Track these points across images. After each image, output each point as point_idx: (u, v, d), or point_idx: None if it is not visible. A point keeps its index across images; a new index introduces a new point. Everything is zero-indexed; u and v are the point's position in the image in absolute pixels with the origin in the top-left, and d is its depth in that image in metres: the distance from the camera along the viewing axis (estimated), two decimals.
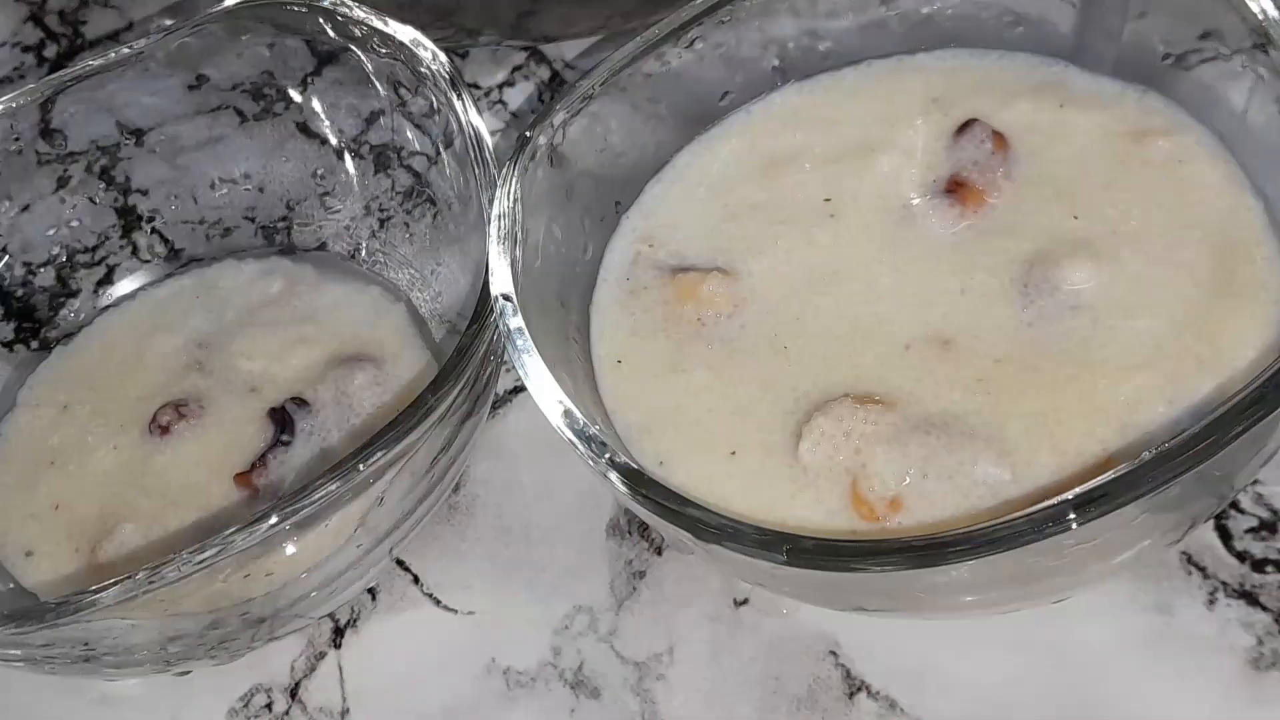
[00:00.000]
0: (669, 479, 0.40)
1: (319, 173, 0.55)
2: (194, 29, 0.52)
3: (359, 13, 0.49)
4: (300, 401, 0.49)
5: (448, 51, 0.48)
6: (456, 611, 0.48)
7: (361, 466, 0.40)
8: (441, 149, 0.49)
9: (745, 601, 0.45)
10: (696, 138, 0.48)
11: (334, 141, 0.55)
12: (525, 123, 0.52)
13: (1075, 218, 0.43)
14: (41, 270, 0.55)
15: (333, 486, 0.40)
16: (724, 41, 0.47)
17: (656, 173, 0.48)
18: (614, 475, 0.37)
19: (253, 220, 0.56)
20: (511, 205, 0.42)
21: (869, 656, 0.44)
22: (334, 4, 0.50)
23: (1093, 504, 0.32)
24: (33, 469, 0.51)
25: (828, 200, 0.45)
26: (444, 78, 0.47)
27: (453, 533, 0.49)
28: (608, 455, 0.37)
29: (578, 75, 0.53)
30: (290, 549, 0.42)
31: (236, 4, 0.52)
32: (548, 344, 0.40)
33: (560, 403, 0.38)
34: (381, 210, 0.54)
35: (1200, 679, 0.41)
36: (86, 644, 0.41)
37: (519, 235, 0.42)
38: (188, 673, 0.47)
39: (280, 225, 0.56)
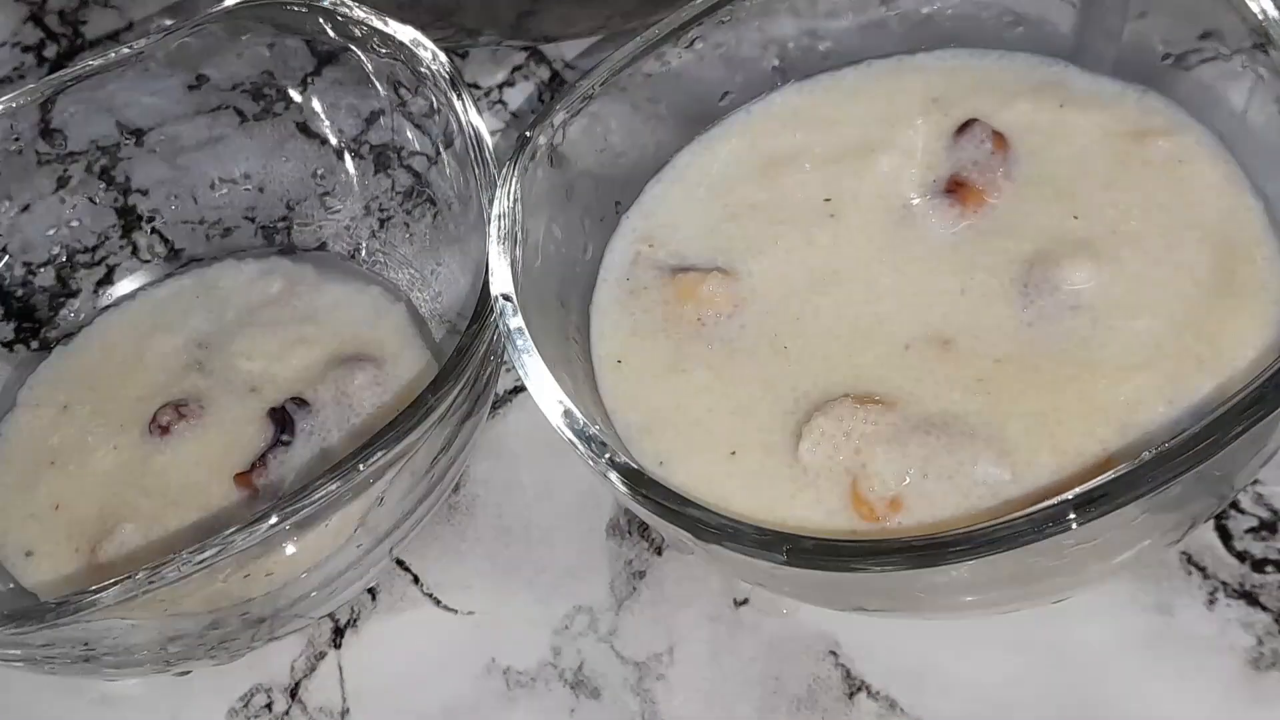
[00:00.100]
0: (669, 479, 0.40)
1: (319, 173, 0.55)
2: (194, 29, 0.52)
3: (359, 13, 0.49)
4: (300, 401, 0.49)
5: (448, 51, 0.48)
6: (456, 611, 0.48)
7: (361, 466, 0.40)
8: (441, 149, 0.49)
9: (745, 601, 0.45)
10: (696, 138, 0.48)
11: (334, 141, 0.55)
12: (525, 123, 0.52)
13: (1075, 218, 0.43)
14: (41, 270, 0.55)
15: (333, 486, 0.40)
16: (724, 41, 0.47)
17: (656, 173, 0.48)
18: (614, 475, 0.37)
19: (253, 220, 0.56)
20: (511, 205, 0.42)
21: (869, 656, 0.44)
22: (334, 4, 0.50)
23: (1093, 504, 0.32)
24: (33, 469, 0.51)
25: (828, 200, 0.45)
26: (444, 78, 0.47)
27: (453, 533, 0.49)
28: (608, 455, 0.37)
29: (578, 75, 0.53)
30: (290, 549, 0.42)
31: (236, 4, 0.52)
32: (548, 344, 0.40)
33: (560, 403, 0.38)
34: (381, 210, 0.54)
35: (1200, 679, 0.41)
36: (86, 644, 0.41)
37: (519, 235, 0.42)
38: (188, 673, 0.47)
39: (280, 225, 0.56)
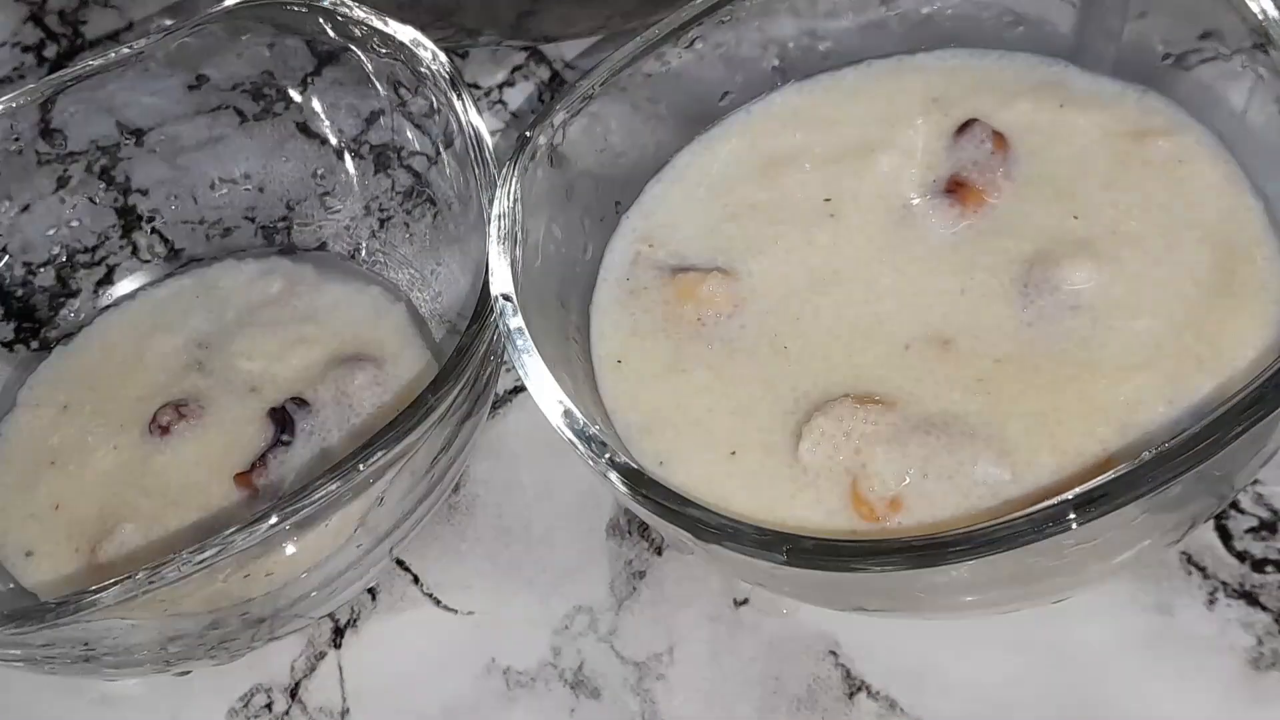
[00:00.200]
0: (669, 479, 0.40)
1: (319, 173, 0.55)
2: (194, 29, 0.52)
3: (359, 13, 0.49)
4: (300, 401, 0.49)
5: (448, 51, 0.48)
6: (456, 611, 0.48)
7: (361, 466, 0.40)
8: (441, 149, 0.49)
9: (745, 601, 0.45)
10: (696, 138, 0.48)
11: (334, 141, 0.55)
12: (525, 123, 0.52)
13: (1075, 218, 0.43)
14: (41, 270, 0.55)
15: (333, 486, 0.40)
16: (724, 41, 0.47)
17: (656, 173, 0.48)
18: (614, 475, 0.37)
19: (253, 220, 0.56)
20: (511, 205, 0.42)
21: (869, 656, 0.44)
22: (334, 4, 0.50)
23: (1093, 504, 0.32)
24: (33, 469, 0.51)
25: (828, 200, 0.45)
26: (444, 78, 0.47)
27: (453, 533, 0.49)
28: (608, 455, 0.37)
29: (578, 75, 0.53)
30: (290, 549, 0.42)
31: (236, 4, 0.52)
32: (548, 344, 0.40)
33: (560, 403, 0.38)
34: (381, 210, 0.54)
35: (1200, 679, 0.41)
36: (86, 644, 0.41)
37: (519, 235, 0.42)
38: (188, 673, 0.47)
39: (280, 225, 0.56)
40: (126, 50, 0.52)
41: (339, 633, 0.48)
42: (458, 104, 0.47)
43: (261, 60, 0.54)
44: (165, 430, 0.49)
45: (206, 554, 0.39)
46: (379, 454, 0.40)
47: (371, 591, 0.48)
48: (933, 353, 0.41)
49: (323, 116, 0.54)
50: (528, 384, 0.39)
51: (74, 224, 0.56)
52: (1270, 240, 0.41)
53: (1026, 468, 0.38)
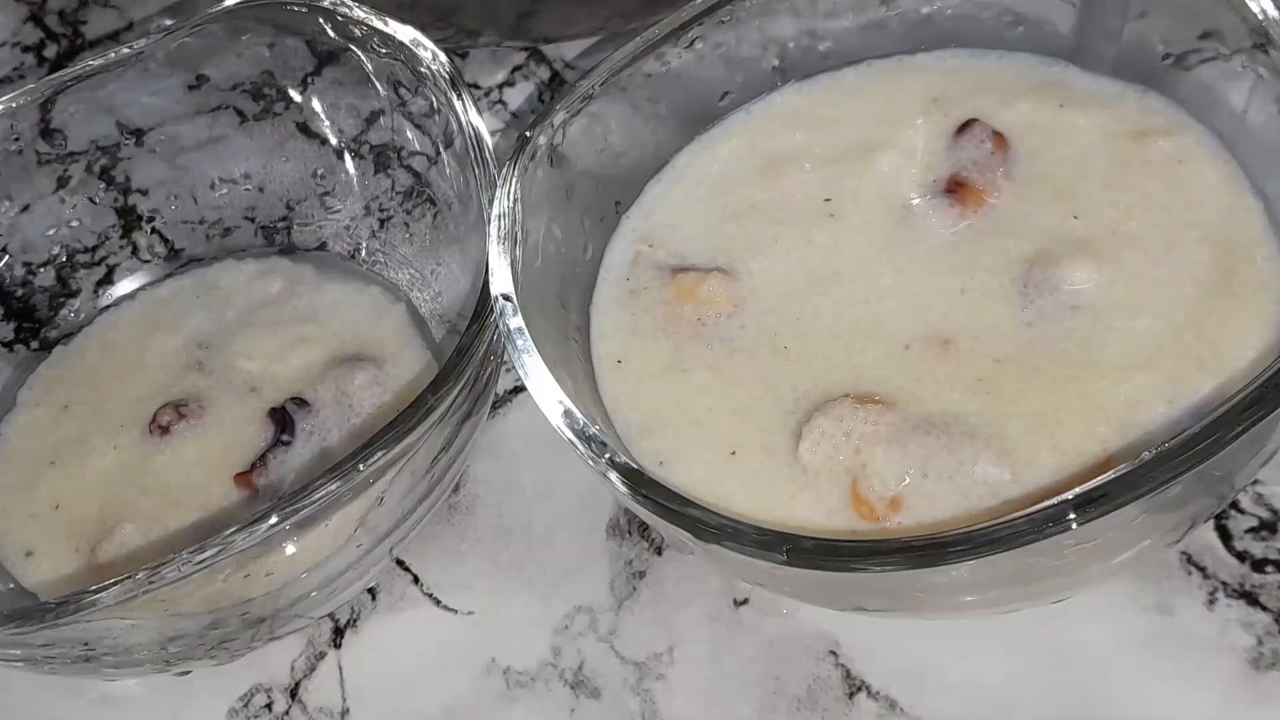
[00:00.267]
0: (669, 479, 0.40)
1: (319, 173, 0.55)
2: (194, 29, 0.52)
3: (359, 13, 0.49)
4: (300, 401, 0.49)
5: (448, 52, 0.48)
6: (456, 611, 0.48)
7: (361, 466, 0.40)
8: (441, 149, 0.49)
9: (745, 601, 0.45)
10: (696, 138, 0.48)
11: (334, 141, 0.55)
12: (525, 123, 0.52)
13: (1075, 218, 0.43)
14: (41, 270, 0.55)
15: (333, 486, 0.40)
16: (724, 41, 0.47)
17: (656, 173, 0.48)
18: (614, 475, 0.37)
19: (253, 220, 0.56)
20: (511, 205, 0.42)
21: (869, 656, 0.44)
22: (334, 4, 0.50)
23: (1093, 504, 0.32)
24: (33, 469, 0.51)
25: (828, 200, 0.45)
26: (444, 78, 0.47)
27: (453, 533, 0.49)
28: (608, 455, 0.37)
29: (578, 75, 0.53)
30: (290, 549, 0.42)
31: (236, 4, 0.52)
32: (548, 344, 0.40)
33: (560, 403, 0.38)
34: (381, 210, 0.54)
35: (1200, 679, 0.41)
36: (86, 644, 0.41)
37: (519, 235, 0.42)
38: (188, 673, 0.47)
39: (280, 225, 0.56)
40: (126, 50, 0.52)
41: (339, 633, 0.48)
42: (458, 104, 0.47)
43: (261, 60, 0.54)
44: (165, 430, 0.49)
45: (206, 554, 0.39)
46: (379, 454, 0.40)
47: (371, 591, 0.48)
48: (933, 353, 0.41)
49: (323, 116, 0.54)
50: (528, 384, 0.39)
51: (74, 224, 0.56)
52: (1270, 240, 0.41)
53: (1026, 468, 0.38)
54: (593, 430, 0.37)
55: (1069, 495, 0.32)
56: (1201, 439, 0.32)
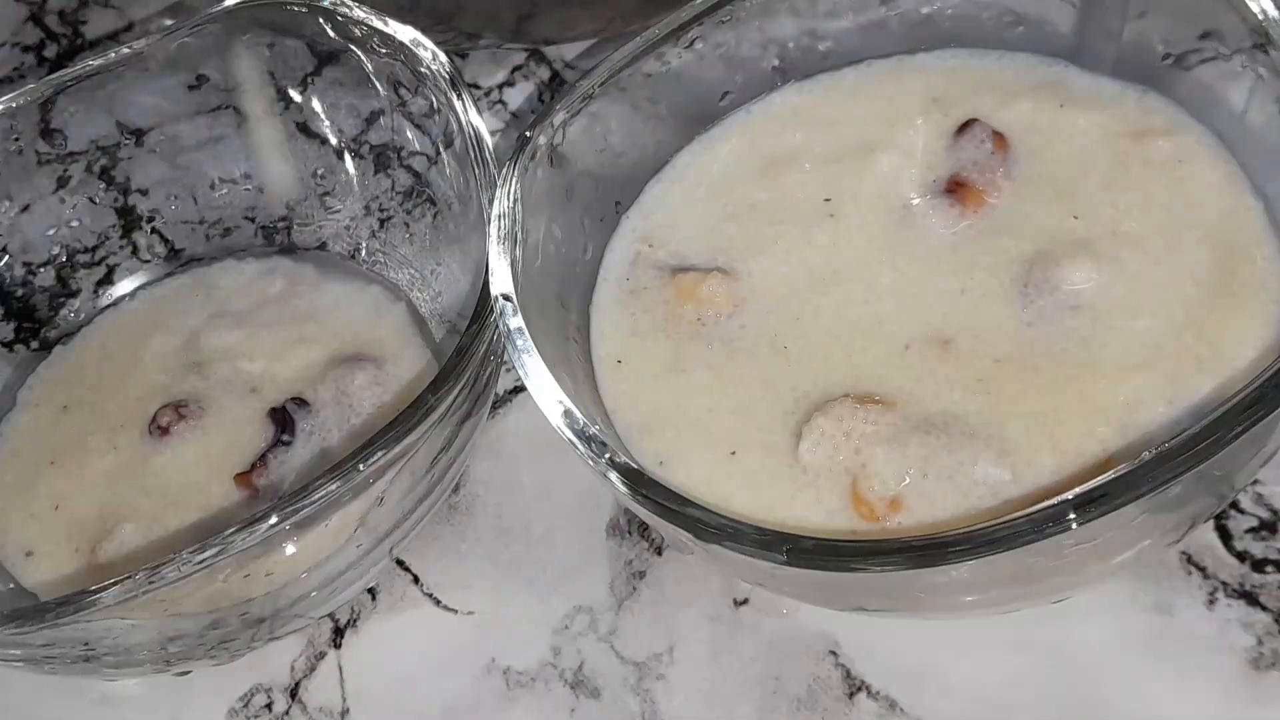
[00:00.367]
0: (669, 479, 0.40)
1: (319, 173, 0.55)
2: (194, 29, 0.52)
3: (359, 13, 0.49)
4: (300, 401, 0.49)
5: (447, 52, 0.48)
6: (456, 611, 0.48)
7: (361, 466, 0.40)
8: (441, 149, 0.49)
9: (745, 601, 0.45)
10: (696, 138, 0.48)
11: (334, 141, 0.55)
12: (525, 123, 0.52)
13: (1075, 218, 0.43)
14: (41, 270, 0.55)
15: (333, 486, 0.40)
16: (724, 41, 0.47)
17: (656, 173, 0.48)
18: (614, 475, 0.37)
19: (253, 220, 0.56)
20: (511, 205, 0.42)
21: (869, 656, 0.44)
22: (334, 4, 0.50)
23: (1093, 504, 0.32)
24: (33, 469, 0.51)
25: (828, 200, 0.45)
26: (444, 78, 0.47)
27: (453, 533, 0.49)
28: (608, 455, 0.37)
29: (578, 75, 0.53)
30: (290, 549, 0.42)
31: (236, 4, 0.52)
32: (548, 344, 0.40)
33: (560, 403, 0.38)
34: (381, 210, 0.54)
35: (1200, 679, 0.41)
36: (86, 644, 0.41)
37: (519, 235, 0.42)
38: (188, 673, 0.47)
39: (280, 225, 0.56)
40: (126, 50, 0.52)
41: (339, 633, 0.48)
42: (458, 104, 0.47)
43: (261, 60, 0.54)
44: (165, 431, 0.49)
45: (206, 554, 0.39)
46: (379, 454, 0.40)
47: (371, 591, 0.48)
48: (933, 353, 0.41)
49: (323, 116, 0.54)
50: (528, 384, 0.39)
51: (74, 224, 0.56)
52: (1270, 240, 0.41)
53: (1026, 468, 0.38)
54: (593, 430, 0.37)
55: (1069, 495, 0.32)
56: (1201, 439, 0.32)
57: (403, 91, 0.50)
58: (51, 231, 0.55)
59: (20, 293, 0.55)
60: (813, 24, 0.48)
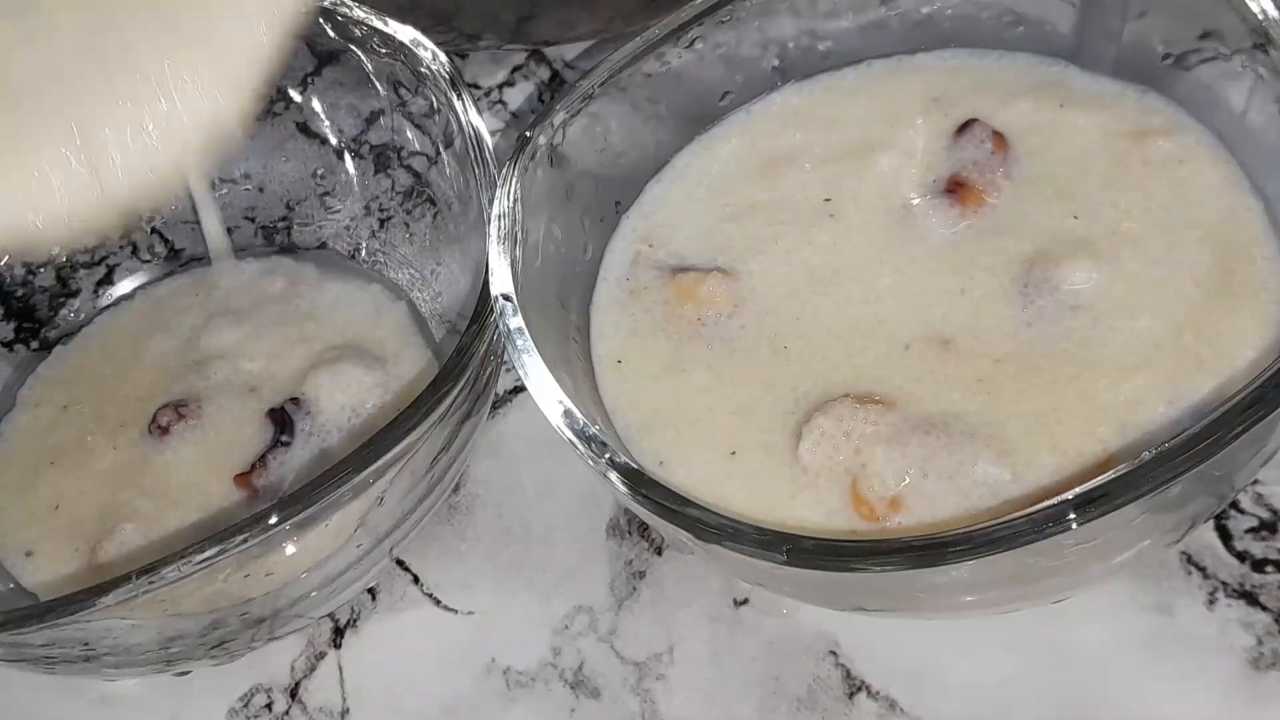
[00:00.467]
0: (669, 479, 0.40)
1: (319, 173, 0.55)
2: None
3: (359, 13, 0.49)
4: (299, 402, 0.49)
5: (447, 52, 0.48)
6: (456, 611, 0.48)
7: (361, 466, 0.40)
8: (441, 149, 0.49)
9: (745, 601, 0.45)
10: (696, 138, 0.48)
11: (334, 141, 0.55)
12: (525, 123, 0.52)
13: (1075, 218, 0.43)
14: (41, 270, 0.55)
15: (333, 486, 0.39)
16: (724, 41, 0.47)
17: (656, 173, 0.48)
18: (614, 475, 0.37)
19: (253, 220, 0.56)
20: (511, 205, 0.42)
21: (869, 656, 0.44)
22: (334, 4, 0.50)
23: (1093, 504, 0.32)
24: (33, 469, 0.51)
25: (828, 200, 0.45)
26: (444, 78, 0.47)
27: (453, 533, 0.49)
28: (608, 455, 0.37)
29: (578, 75, 0.53)
30: (290, 549, 0.42)
31: None
32: (548, 344, 0.40)
33: (560, 403, 0.38)
34: (381, 210, 0.54)
35: (1200, 679, 0.41)
36: (86, 644, 0.41)
37: (519, 235, 0.42)
38: (188, 673, 0.47)
39: (280, 225, 0.56)
40: None
41: (339, 633, 0.48)
42: (458, 104, 0.47)
43: None
44: (165, 431, 0.49)
45: (206, 554, 0.39)
46: (379, 454, 0.40)
47: (371, 591, 0.48)
48: (933, 353, 0.41)
49: (323, 116, 0.54)
50: (528, 384, 0.39)
51: None
52: (1270, 240, 0.41)
53: (1026, 468, 0.38)
54: (593, 430, 0.37)
55: (1069, 495, 0.32)
56: (1201, 439, 0.32)
57: (403, 91, 0.50)
58: None
59: (20, 293, 0.55)
60: (813, 24, 0.48)
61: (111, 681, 0.48)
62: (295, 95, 0.54)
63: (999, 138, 0.44)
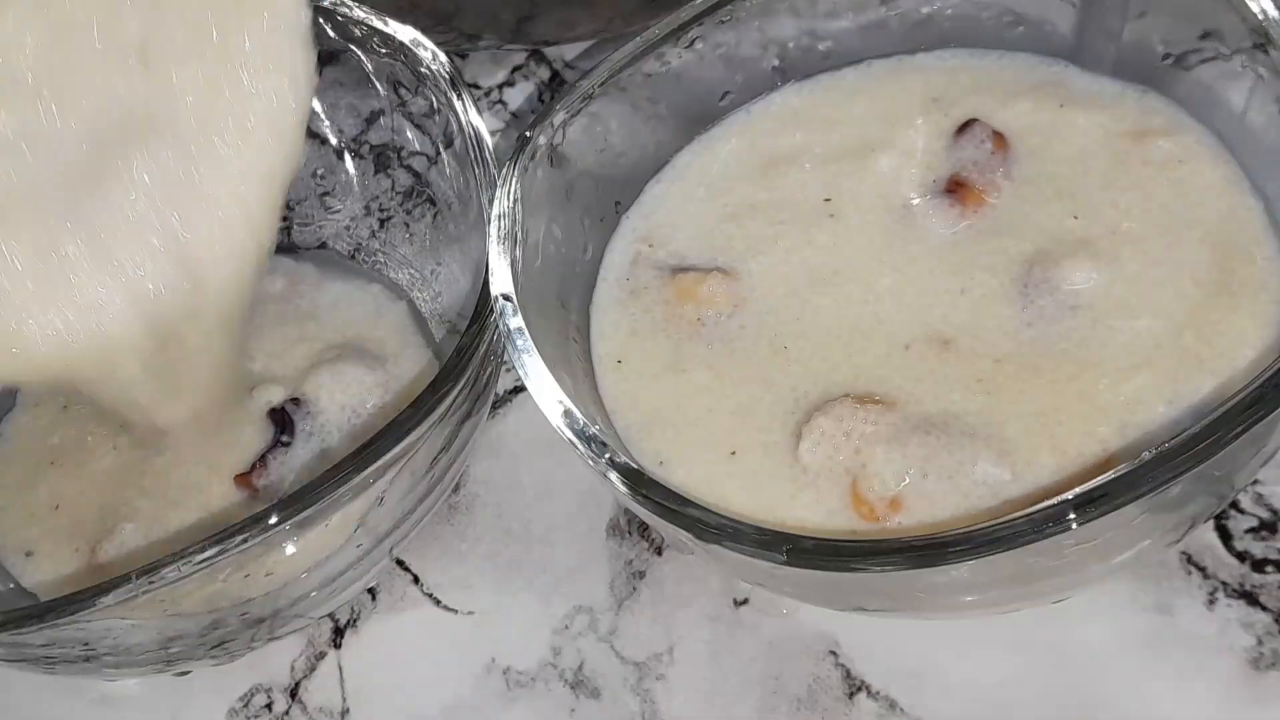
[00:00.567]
0: (669, 479, 0.40)
1: (319, 173, 0.55)
2: None
3: (359, 13, 0.49)
4: (300, 401, 0.49)
5: (447, 52, 0.48)
6: (456, 611, 0.48)
7: (362, 467, 0.40)
8: (441, 149, 0.49)
9: (745, 601, 0.45)
10: (696, 138, 0.48)
11: (334, 141, 0.54)
12: (525, 123, 0.52)
13: (1075, 218, 0.43)
14: None
15: (333, 487, 0.39)
16: (724, 41, 0.47)
17: (656, 173, 0.48)
18: (614, 475, 0.37)
19: None
20: (511, 205, 0.42)
21: (869, 656, 0.44)
22: (334, 4, 0.50)
23: (1093, 504, 0.32)
24: (33, 469, 0.51)
25: (828, 200, 0.45)
26: (444, 78, 0.47)
27: (453, 533, 0.49)
28: (608, 455, 0.37)
29: (578, 75, 0.53)
30: (290, 549, 0.42)
31: None
32: (548, 344, 0.40)
33: (560, 403, 0.38)
34: (381, 210, 0.54)
35: (1200, 679, 0.41)
36: (86, 644, 0.41)
37: (519, 235, 0.42)
38: (188, 673, 0.47)
39: (280, 225, 0.56)
40: None
41: (339, 633, 0.48)
42: (458, 104, 0.47)
43: None
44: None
45: (206, 554, 0.39)
46: (379, 454, 0.40)
47: (371, 591, 0.48)
48: (933, 353, 0.41)
49: (323, 116, 0.54)
50: (528, 384, 0.39)
51: None
52: (1270, 240, 0.41)
53: (1026, 468, 0.38)
54: (593, 430, 0.37)
55: (1069, 495, 0.32)
56: (1201, 439, 0.32)
57: (403, 91, 0.50)
58: None
59: None
60: (813, 24, 0.48)
61: (111, 681, 0.48)
62: None
63: (999, 138, 0.44)
